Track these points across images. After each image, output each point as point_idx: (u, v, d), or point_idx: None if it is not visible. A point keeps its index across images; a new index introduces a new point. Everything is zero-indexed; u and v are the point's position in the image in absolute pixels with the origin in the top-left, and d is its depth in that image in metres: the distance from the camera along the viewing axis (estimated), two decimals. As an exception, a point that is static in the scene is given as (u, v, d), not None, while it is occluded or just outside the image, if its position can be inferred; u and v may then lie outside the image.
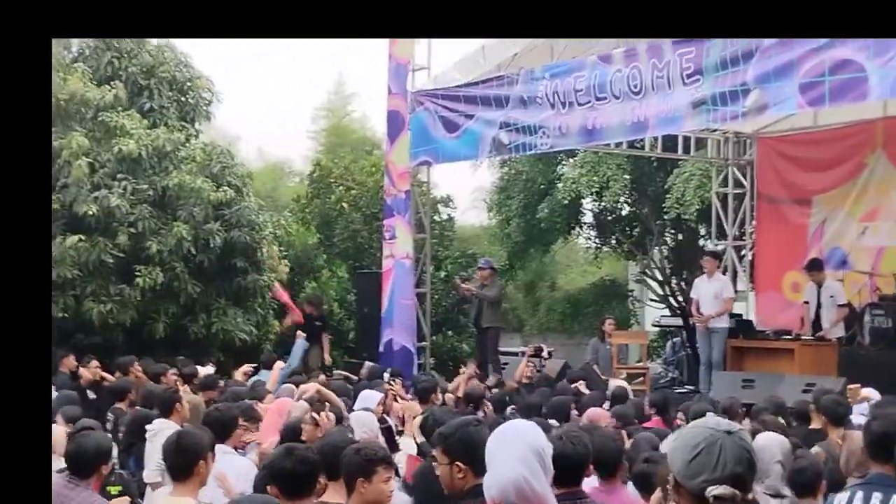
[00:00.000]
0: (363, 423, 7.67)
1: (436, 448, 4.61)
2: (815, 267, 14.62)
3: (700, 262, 15.56)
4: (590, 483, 5.28)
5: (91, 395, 12.07)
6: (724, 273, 18.38)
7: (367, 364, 14.52)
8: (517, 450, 3.90)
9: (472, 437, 4.37)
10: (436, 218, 21.21)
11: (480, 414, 9.42)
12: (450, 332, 20.87)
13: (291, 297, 17.94)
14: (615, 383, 12.42)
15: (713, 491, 2.85)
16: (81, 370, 12.79)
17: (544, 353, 13.05)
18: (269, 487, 4.97)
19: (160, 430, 8.03)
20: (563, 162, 21.66)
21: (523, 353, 16.33)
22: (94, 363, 12.87)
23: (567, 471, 4.60)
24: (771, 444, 6.03)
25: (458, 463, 4.35)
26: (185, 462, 5.34)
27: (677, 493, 3.02)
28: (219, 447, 6.19)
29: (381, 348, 16.79)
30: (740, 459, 2.92)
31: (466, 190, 43.61)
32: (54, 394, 10.17)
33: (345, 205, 21.45)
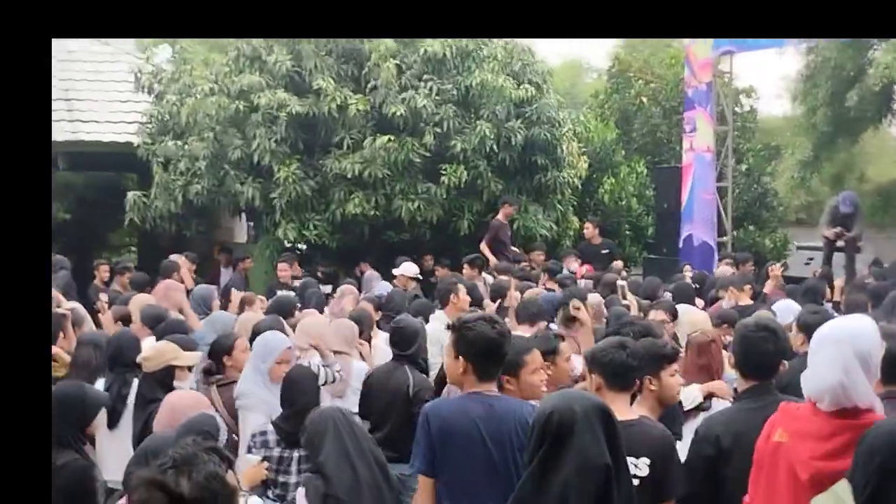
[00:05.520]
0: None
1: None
2: None
3: None
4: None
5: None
6: None
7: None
8: (840, 354, 3.74)
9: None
10: (737, 109, 20.65)
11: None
12: (751, 227, 20.40)
13: (590, 193, 18.08)
14: None
15: None
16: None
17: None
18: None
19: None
20: (875, 46, 20.47)
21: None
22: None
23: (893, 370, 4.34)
24: None
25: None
26: None
27: None
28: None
29: (680, 244, 16.71)
30: None
31: (770, 79, 42.11)
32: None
33: (644, 99, 21.24)
